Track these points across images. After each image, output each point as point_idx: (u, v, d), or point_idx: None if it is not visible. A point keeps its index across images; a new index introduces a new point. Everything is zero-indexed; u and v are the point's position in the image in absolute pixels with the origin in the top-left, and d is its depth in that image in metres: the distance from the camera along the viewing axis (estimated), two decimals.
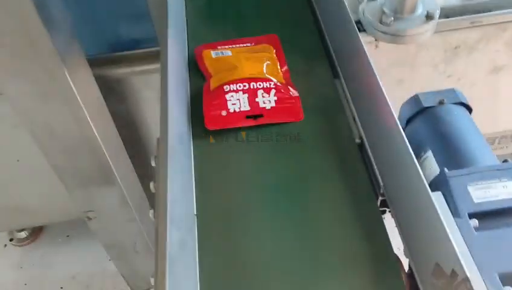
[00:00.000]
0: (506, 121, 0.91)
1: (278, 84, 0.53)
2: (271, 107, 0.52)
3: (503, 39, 0.73)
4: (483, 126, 0.91)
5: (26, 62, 0.50)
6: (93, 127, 0.58)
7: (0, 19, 0.46)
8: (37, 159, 0.73)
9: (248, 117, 0.51)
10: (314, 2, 0.65)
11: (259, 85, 0.53)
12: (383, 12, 0.64)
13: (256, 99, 0.52)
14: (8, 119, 0.74)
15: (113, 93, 0.69)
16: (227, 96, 0.52)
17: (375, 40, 0.67)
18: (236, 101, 0.52)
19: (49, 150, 0.60)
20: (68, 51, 0.54)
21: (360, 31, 0.67)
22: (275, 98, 0.52)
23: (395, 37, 0.63)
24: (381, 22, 0.63)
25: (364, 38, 0.67)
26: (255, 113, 0.51)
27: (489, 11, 0.69)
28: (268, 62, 0.56)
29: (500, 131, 0.94)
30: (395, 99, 0.68)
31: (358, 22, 0.68)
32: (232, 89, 0.53)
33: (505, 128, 0.94)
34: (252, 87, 0.53)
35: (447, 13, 0.69)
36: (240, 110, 0.51)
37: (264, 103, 0.52)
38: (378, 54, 0.73)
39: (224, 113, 0.50)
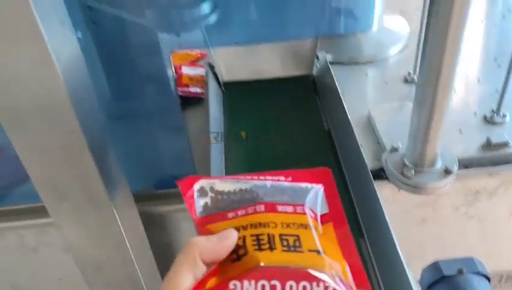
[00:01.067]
0: None
1: (338, 284, 0.30)
2: None
3: None
4: (505, 262, 0.91)
5: (85, 213, 0.57)
6: (136, 265, 0.63)
7: (67, 178, 0.54)
8: (78, 278, 0.78)
9: None
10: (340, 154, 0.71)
11: (304, 289, 0.29)
12: (404, 165, 0.69)
13: None
14: (58, 243, 0.80)
15: (155, 227, 0.75)
16: None
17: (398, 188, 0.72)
18: None
19: (94, 283, 0.65)
20: (119, 197, 0.61)
21: (383, 178, 0.73)
22: None
23: (417, 189, 0.68)
24: (402, 174, 0.68)
25: (387, 184, 0.73)
26: None
27: (507, 162, 0.74)
28: (314, 232, 0.33)
29: None
30: (418, 238, 0.72)
31: (381, 170, 0.73)
32: (244, 288, 0.29)
33: None
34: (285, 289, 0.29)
35: (466, 163, 0.74)
36: None
37: None
38: (401, 196, 0.78)
39: None
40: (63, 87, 0.46)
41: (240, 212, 0.34)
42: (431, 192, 0.67)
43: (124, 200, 0.63)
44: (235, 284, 0.29)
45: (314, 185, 0.37)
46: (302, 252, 0.31)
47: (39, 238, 0.79)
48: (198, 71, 1.00)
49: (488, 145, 0.74)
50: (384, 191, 0.76)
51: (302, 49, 0.88)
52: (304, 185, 0.37)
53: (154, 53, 0.81)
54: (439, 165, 0.68)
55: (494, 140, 0.74)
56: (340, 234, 0.34)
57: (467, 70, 0.95)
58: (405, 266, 0.48)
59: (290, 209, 0.34)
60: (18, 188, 0.80)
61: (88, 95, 0.53)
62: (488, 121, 0.79)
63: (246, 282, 0.29)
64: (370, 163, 0.74)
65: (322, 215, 0.36)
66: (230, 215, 0.34)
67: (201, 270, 0.30)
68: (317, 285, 0.29)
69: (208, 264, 0.31)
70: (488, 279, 0.50)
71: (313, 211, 0.35)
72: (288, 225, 0.33)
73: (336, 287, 0.29)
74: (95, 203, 0.56)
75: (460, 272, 0.48)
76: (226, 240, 0.31)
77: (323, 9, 0.64)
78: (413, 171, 0.67)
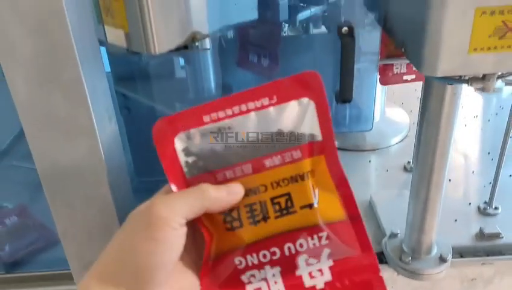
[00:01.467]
0: None
1: (337, 227, 0.34)
2: (325, 283, 0.33)
3: None
4: None
5: None
6: None
7: (95, 252, 0.61)
8: None
9: None
10: None
11: (301, 246, 0.33)
12: (403, 251, 0.75)
13: (298, 272, 0.33)
14: None
15: None
16: (244, 278, 0.33)
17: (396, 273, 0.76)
18: (263, 285, 0.33)
19: None
20: None
21: (382, 262, 0.78)
22: (330, 263, 0.33)
23: (414, 275, 0.73)
24: (400, 259, 0.74)
25: (387, 268, 0.78)
26: None
27: (500, 253, 0.79)
28: (308, 182, 0.34)
29: None
30: None
31: (381, 254, 0.79)
32: (249, 263, 0.33)
33: None
34: (287, 252, 0.33)
35: (461, 252, 0.79)
36: None
37: (313, 277, 0.33)
38: (401, 280, 0.82)
39: None
40: (106, 175, 0.54)
41: (228, 174, 0.34)
42: (427, 278, 0.72)
43: None
44: (240, 260, 0.34)
45: (303, 100, 0.34)
46: (295, 212, 0.34)
47: None
48: None
49: (481, 235, 0.80)
50: (384, 274, 0.81)
51: None
52: (292, 106, 0.34)
53: None
54: (434, 252, 0.73)
55: (487, 231, 0.79)
56: (331, 164, 0.35)
57: (463, 163, 1.03)
58: None
59: (278, 160, 0.34)
60: (40, 255, 0.85)
61: (124, 181, 0.61)
62: (482, 212, 0.85)
63: (248, 256, 0.33)
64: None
65: (314, 144, 0.35)
66: (219, 177, 0.34)
67: (199, 213, 0.32)
68: (312, 237, 0.33)
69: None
70: None
71: (303, 148, 0.34)
72: (278, 184, 0.34)
73: (330, 227, 0.33)
74: None
75: None
76: (235, 195, 0.33)
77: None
78: (410, 258, 0.73)
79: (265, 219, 0.34)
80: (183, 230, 0.32)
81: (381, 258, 0.78)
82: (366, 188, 0.95)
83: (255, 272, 0.33)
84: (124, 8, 0.57)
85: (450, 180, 0.95)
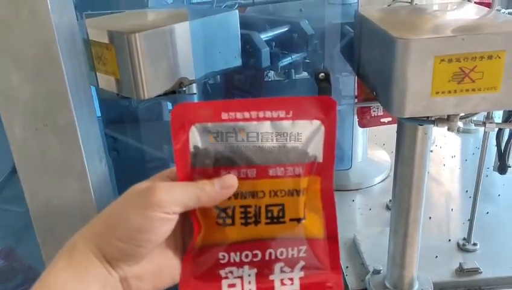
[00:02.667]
0: None
1: (315, 243, 0.36)
2: None
3: None
4: None
5: None
6: None
7: None
8: None
9: None
10: None
11: (281, 254, 0.36)
12: (385, 287, 0.77)
13: (271, 277, 0.36)
14: None
15: None
16: (222, 272, 0.36)
17: None
18: (237, 282, 0.36)
19: None
20: None
21: None
22: (301, 274, 0.36)
23: None
24: None
25: None
26: None
27: (480, 288, 0.81)
28: (302, 198, 0.36)
29: None
30: None
31: None
32: (231, 260, 0.36)
33: None
34: (267, 257, 0.36)
35: (442, 287, 0.81)
36: None
37: (283, 284, 0.36)
38: None
39: None
40: (92, 197, 0.55)
41: (232, 173, 0.35)
42: None
43: None
44: (223, 255, 0.35)
45: (315, 122, 0.36)
46: (284, 223, 0.36)
47: None
48: None
49: (461, 270, 0.82)
50: None
51: None
52: (304, 125, 0.36)
53: None
54: (415, 288, 0.75)
55: (466, 266, 0.82)
56: (324, 186, 0.37)
57: (442, 201, 1.06)
58: None
59: (281, 172, 0.36)
60: None
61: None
62: (461, 248, 0.88)
63: (232, 254, 0.35)
64: (355, 283, 0.81)
65: (314, 164, 0.36)
66: (223, 174, 0.35)
67: (194, 207, 0.34)
68: (293, 248, 0.36)
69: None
70: None
71: (305, 166, 0.36)
72: (276, 193, 0.36)
73: (310, 242, 0.36)
74: None
75: None
76: (228, 189, 0.34)
77: None
78: None
79: (256, 222, 0.36)
80: (175, 217, 0.34)
81: None
82: (350, 226, 0.97)
83: (233, 269, 0.36)
84: (115, 57, 0.62)
85: (430, 217, 0.98)
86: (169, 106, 0.83)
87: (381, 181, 1.15)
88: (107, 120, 0.94)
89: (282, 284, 0.36)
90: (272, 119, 0.36)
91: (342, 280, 0.37)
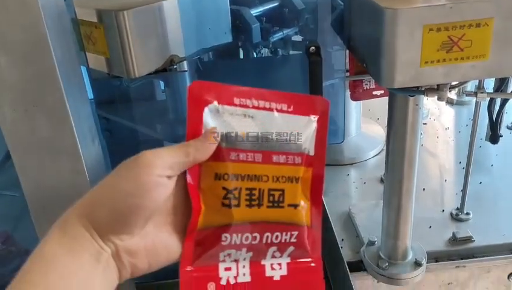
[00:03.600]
0: None
1: (303, 230, 0.39)
2: (281, 276, 0.38)
3: (489, 279, 0.85)
4: None
5: None
6: None
7: None
8: None
9: None
10: None
11: (276, 238, 0.38)
12: (380, 257, 0.78)
13: (262, 262, 0.38)
14: None
15: None
16: (221, 255, 0.37)
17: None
18: (233, 266, 0.37)
19: None
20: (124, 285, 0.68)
21: (362, 270, 0.81)
22: (288, 259, 0.39)
23: (391, 280, 0.76)
24: (378, 265, 0.77)
25: (367, 276, 0.81)
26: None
27: (472, 256, 0.82)
28: (299, 185, 0.39)
29: None
30: None
31: (360, 262, 0.82)
32: (232, 242, 0.37)
33: None
34: (264, 240, 0.38)
35: (436, 256, 0.82)
36: (236, 283, 0.37)
37: (273, 269, 0.38)
38: (381, 287, 0.85)
39: (211, 288, 0.36)
40: (87, 179, 0.55)
41: (241, 155, 0.38)
42: (404, 283, 0.75)
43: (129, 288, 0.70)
44: (226, 237, 0.37)
45: (311, 117, 0.40)
46: (282, 207, 0.39)
47: None
48: None
49: (454, 240, 0.83)
50: (365, 282, 0.83)
51: None
52: (302, 120, 0.40)
53: None
54: (409, 258, 0.77)
55: (460, 235, 0.83)
56: (315, 178, 0.41)
57: (436, 172, 1.07)
58: None
59: (283, 159, 0.39)
60: None
61: None
62: (454, 217, 0.89)
63: (234, 235, 0.37)
64: (350, 255, 0.83)
65: (307, 156, 0.40)
66: (232, 156, 0.38)
67: (185, 164, 0.35)
68: (287, 233, 0.38)
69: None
70: None
71: (302, 157, 0.40)
72: (278, 179, 0.39)
73: (302, 228, 0.38)
74: None
75: None
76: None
77: None
78: (387, 264, 0.76)
79: (259, 205, 0.38)
80: (169, 183, 0.34)
81: (360, 265, 0.81)
82: (345, 199, 0.99)
83: (232, 251, 0.37)
84: (104, 36, 0.61)
85: (424, 189, 0.99)
86: (162, 85, 0.82)
87: (376, 155, 1.15)
88: (99, 101, 0.93)
89: (272, 268, 0.38)
90: (277, 110, 0.39)
91: (322, 267, 0.40)
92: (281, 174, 0.39)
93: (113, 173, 0.35)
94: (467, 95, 0.68)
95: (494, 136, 0.80)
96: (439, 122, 1.29)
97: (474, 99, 0.67)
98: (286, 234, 0.38)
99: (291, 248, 0.39)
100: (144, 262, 0.36)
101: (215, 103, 0.38)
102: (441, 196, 0.98)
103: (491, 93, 0.70)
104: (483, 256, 0.82)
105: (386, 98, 0.67)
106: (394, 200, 0.71)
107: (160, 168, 0.33)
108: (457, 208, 0.90)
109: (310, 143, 0.40)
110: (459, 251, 0.83)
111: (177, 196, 0.37)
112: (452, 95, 1.35)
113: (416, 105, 0.62)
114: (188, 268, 0.37)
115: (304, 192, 0.41)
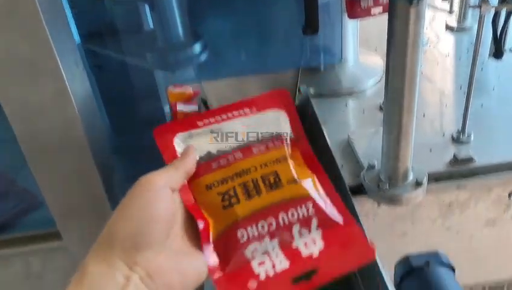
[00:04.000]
0: (511, 268, 0.97)
1: (318, 201, 0.37)
2: (320, 251, 0.35)
3: (490, 198, 0.84)
4: (488, 274, 0.97)
5: (93, 229, 0.63)
6: None
7: (77, 197, 0.61)
8: None
9: (296, 281, 0.33)
10: None
11: (292, 215, 0.36)
12: (380, 180, 0.77)
13: (294, 244, 0.35)
14: (63, 268, 0.85)
15: None
16: (248, 253, 0.34)
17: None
18: (265, 258, 0.34)
19: None
20: None
21: (362, 193, 0.80)
22: (319, 232, 0.36)
23: (392, 201, 0.75)
24: (378, 187, 0.76)
25: (367, 200, 0.80)
26: (304, 270, 0.34)
27: (473, 175, 0.81)
28: (290, 162, 0.39)
29: (507, 278, 1.00)
30: (401, 251, 0.79)
31: (360, 186, 0.81)
32: (250, 235, 0.35)
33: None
34: (281, 222, 0.36)
35: (436, 177, 0.81)
36: (276, 273, 0.33)
37: (308, 247, 0.35)
38: (381, 211, 0.85)
39: (253, 286, 0.33)
40: (78, 117, 0.54)
41: (221, 161, 0.40)
42: (405, 203, 0.75)
43: None
44: (242, 233, 0.36)
45: (277, 110, 0.45)
46: (283, 186, 0.39)
47: (45, 263, 0.84)
48: (192, 108, 1.08)
49: (455, 161, 0.82)
50: (365, 207, 0.83)
51: (285, 83, 0.98)
52: (268, 114, 0.44)
53: (151, 93, 0.89)
54: (410, 178, 0.75)
55: (461, 156, 0.82)
56: (304, 154, 0.43)
57: (436, 98, 1.04)
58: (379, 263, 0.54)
59: (263, 147, 0.42)
60: (23, 218, 0.85)
61: (97, 123, 0.61)
62: (455, 140, 0.88)
63: (249, 228, 0.36)
64: (350, 180, 0.82)
65: (290, 138, 0.44)
66: (214, 165, 0.41)
67: (180, 178, 0.38)
68: (301, 207, 0.37)
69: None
70: (453, 269, 0.56)
71: (281, 139, 0.43)
72: (266, 165, 0.40)
73: (314, 199, 0.38)
74: (101, 220, 0.63)
75: (427, 264, 0.55)
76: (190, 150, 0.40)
77: (298, 45, 0.74)
78: (387, 185, 0.75)
79: (258, 192, 0.39)
80: (171, 196, 0.36)
81: (361, 189, 0.80)
82: (344, 128, 0.97)
83: (256, 245, 0.35)
84: None
85: (424, 115, 0.97)
86: (147, 9, 0.78)
87: (374, 85, 1.12)
88: (84, 35, 0.89)
89: (306, 247, 0.36)
90: (239, 116, 0.44)
91: (360, 229, 0.39)
92: (267, 160, 0.41)
93: (120, 203, 0.36)
94: (471, 7, 0.64)
95: (498, 52, 0.76)
96: (438, 49, 1.25)
97: (474, 26, 0.64)
98: (301, 208, 0.38)
99: (315, 221, 0.37)
100: (175, 282, 0.35)
101: (180, 133, 0.43)
102: (441, 120, 0.96)
103: (495, 6, 0.66)
104: (484, 176, 0.81)
105: (384, 28, 0.63)
106: (395, 118, 0.69)
107: (158, 182, 0.36)
108: (458, 131, 0.88)
109: (285, 127, 0.44)
110: (460, 171, 0.82)
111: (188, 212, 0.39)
112: (452, 21, 1.30)
113: (418, 17, 0.58)
114: (219, 275, 0.35)
115: (301, 168, 0.42)
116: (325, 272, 0.34)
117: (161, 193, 0.35)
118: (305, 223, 0.37)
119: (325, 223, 0.37)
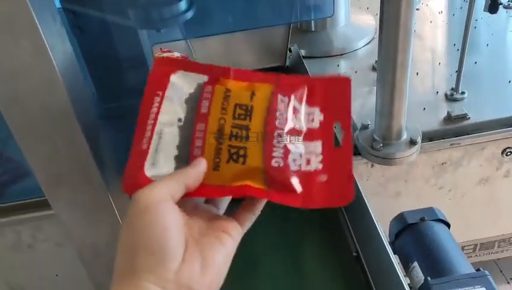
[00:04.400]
0: (502, 225, 0.98)
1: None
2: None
3: (483, 156, 0.84)
4: (479, 231, 0.98)
5: (82, 195, 0.61)
6: None
7: (64, 163, 0.59)
8: (75, 275, 0.82)
9: None
10: None
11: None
12: (374, 139, 0.76)
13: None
14: (53, 238, 0.84)
15: None
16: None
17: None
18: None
19: (92, 266, 0.69)
20: (112, 181, 0.66)
21: (355, 154, 0.79)
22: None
23: (386, 160, 0.74)
24: (372, 147, 0.75)
25: (361, 161, 0.79)
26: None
27: (467, 133, 0.81)
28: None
29: (498, 235, 1.01)
30: (394, 210, 0.79)
31: (354, 147, 0.80)
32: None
33: (503, 232, 1.00)
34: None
35: (430, 136, 0.80)
36: None
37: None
38: (375, 171, 0.84)
39: None
40: (59, 77, 0.51)
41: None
42: (399, 162, 0.74)
43: (117, 185, 0.67)
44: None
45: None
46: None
47: (34, 233, 0.83)
48: None
49: (449, 118, 0.81)
50: (358, 168, 0.82)
51: (275, 43, 0.95)
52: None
53: (137, 56, 0.86)
54: (404, 137, 0.74)
55: (454, 113, 0.81)
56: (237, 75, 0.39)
57: (429, 56, 1.02)
58: (374, 220, 0.54)
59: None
60: (11, 187, 0.84)
61: (81, 86, 0.58)
62: (449, 98, 0.86)
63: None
64: None
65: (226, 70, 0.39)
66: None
67: (180, 189, 0.34)
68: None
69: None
70: (448, 225, 0.56)
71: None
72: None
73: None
74: (91, 186, 0.61)
75: (422, 219, 0.54)
76: (199, 165, 0.36)
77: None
78: (381, 144, 0.74)
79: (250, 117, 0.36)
80: (174, 205, 0.33)
81: (354, 150, 0.79)
82: None
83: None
84: None
85: (417, 73, 0.95)
86: None
87: (366, 44, 1.10)
88: None
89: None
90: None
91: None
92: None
93: (124, 224, 0.33)
94: None
95: (493, 5, 0.74)
96: (430, 7, 1.22)
97: None
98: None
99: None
100: (211, 279, 0.33)
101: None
102: (434, 79, 0.95)
103: None
104: (478, 132, 0.80)
105: None
106: (389, 76, 0.67)
107: (156, 192, 0.33)
108: (452, 88, 0.87)
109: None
110: (453, 129, 0.81)
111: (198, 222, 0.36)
112: None
113: None
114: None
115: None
116: None
117: (166, 205, 0.33)
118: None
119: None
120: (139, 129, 0.39)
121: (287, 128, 0.36)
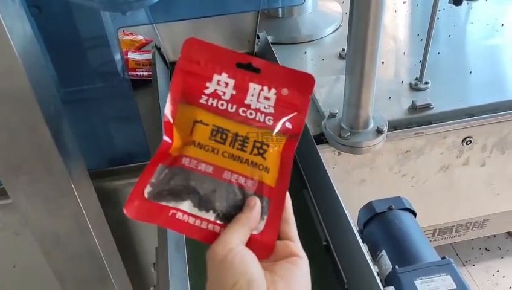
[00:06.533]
0: (460, 211, 1.02)
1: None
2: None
3: (445, 144, 0.86)
4: (438, 216, 1.01)
5: (42, 184, 0.59)
6: (94, 236, 0.66)
7: (23, 151, 0.56)
8: (33, 265, 0.79)
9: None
10: None
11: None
12: (341, 128, 0.76)
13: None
14: (11, 227, 0.80)
15: (110, 202, 0.78)
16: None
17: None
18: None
19: (52, 255, 0.67)
20: (75, 169, 0.63)
21: (323, 142, 0.80)
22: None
23: (353, 149, 0.75)
24: (340, 136, 0.75)
25: (327, 149, 0.80)
26: None
27: (430, 123, 0.83)
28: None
29: (455, 220, 1.05)
30: (358, 197, 0.80)
31: (322, 135, 0.80)
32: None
33: (460, 218, 1.05)
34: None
35: (395, 125, 0.82)
36: None
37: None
38: (341, 159, 0.85)
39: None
40: (18, 60, 0.48)
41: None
42: (366, 151, 0.75)
43: (80, 172, 0.65)
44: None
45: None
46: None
47: None
48: (144, 56, 1.02)
49: (413, 108, 0.83)
50: (325, 155, 0.83)
51: (244, 29, 0.93)
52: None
53: (99, 39, 0.82)
54: (371, 126, 0.75)
55: (419, 103, 0.83)
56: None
57: (394, 46, 1.04)
58: (344, 208, 0.54)
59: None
60: None
61: (42, 69, 0.55)
62: (413, 88, 0.88)
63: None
64: (311, 129, 0.81)
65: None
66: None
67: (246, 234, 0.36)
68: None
69: None
70: (414, 213, 0.58)
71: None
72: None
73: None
74: (52, 174, 0.58)
75: (390, 208, 0.55)
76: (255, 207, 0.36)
77: None
78: (349, 133, 0.74)
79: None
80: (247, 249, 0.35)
81: (322, 138, 0.79)
82: None
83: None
84: None
85: (383, 62, 0.96)
86: None
87: (333, 32, 1.10)
88: None
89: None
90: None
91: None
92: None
93: (210, 279, 0.34)
94: None
95: None
96: None
97: None
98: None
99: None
100: None
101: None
102: (399, 68, 0.97)
103: None
104: (441, 122, 0.83)
105: None
106: (357, 66, 0.68)
107: (230, 241, 0.34)
108: (417, 78, 0.89)
109: None
110: (417, 118, 0.83)
111: None
112: None
113: None
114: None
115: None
116: None
117: (235, 252, 0.34)
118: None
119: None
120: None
121: None
